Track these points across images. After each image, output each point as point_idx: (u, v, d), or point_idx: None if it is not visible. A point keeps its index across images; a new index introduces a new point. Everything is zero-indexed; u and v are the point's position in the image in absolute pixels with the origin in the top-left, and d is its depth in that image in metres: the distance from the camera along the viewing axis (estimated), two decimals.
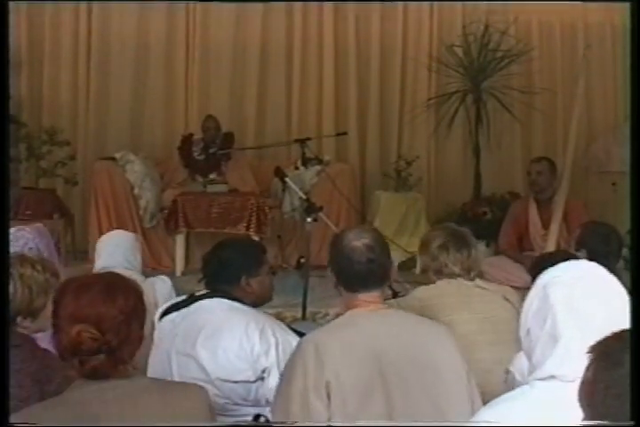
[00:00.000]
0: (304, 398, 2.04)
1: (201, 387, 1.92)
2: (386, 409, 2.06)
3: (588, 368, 1.23)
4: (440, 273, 2.99)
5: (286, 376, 2.14)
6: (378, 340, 2.11)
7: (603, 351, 1.23)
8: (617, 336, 1.25)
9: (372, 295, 2.21)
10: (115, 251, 3.57)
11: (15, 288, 2.21)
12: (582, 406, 1.24)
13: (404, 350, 2.12)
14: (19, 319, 2.22)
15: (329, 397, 2.03)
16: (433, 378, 2.10)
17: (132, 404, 1.74)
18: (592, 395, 1.21)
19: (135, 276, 3.38)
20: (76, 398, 1.74)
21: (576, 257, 2.95)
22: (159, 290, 2.92)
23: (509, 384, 2.11)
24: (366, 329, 2.14)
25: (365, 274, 2.19)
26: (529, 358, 1.64)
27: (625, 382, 1.17)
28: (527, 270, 4.71)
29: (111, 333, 1.73)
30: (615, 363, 1.20)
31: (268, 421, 2.42)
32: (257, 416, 2.45)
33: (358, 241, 2.21)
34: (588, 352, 1.24)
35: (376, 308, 2.21)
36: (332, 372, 2.04)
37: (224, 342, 2.53)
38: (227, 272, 2.68)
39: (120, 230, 4.04)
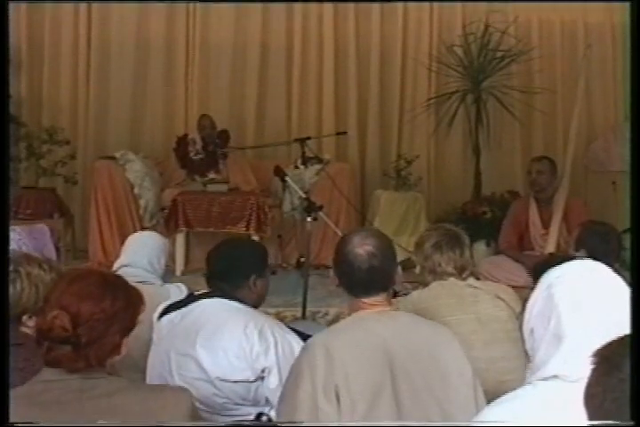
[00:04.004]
0: (313, 401, 2.01)
1: (183, 390, 1.90)
2: (394, 411, 2.04)
3: (591, 372, 1.23)
4: (434, 272, 3.00)
5: (293, 379, 2.10)
6: (386, 342, 2.10)
7: (604, 356, 1.23)
8: (620, 341, 1.24)
9: (375, 299, 2.19)
10: (139, 250, 3.48)
11: (22, 287, 2.21)
12: (585, 408, 1.24)
13: (412, 352, 2.11)
14: (24, 318, 2.21)
15: (338, 399, 2.00)
16: (440, 381, 2.10)
17: (109, 405, 1.72)
18: (592, 398, 1.21)
19: (153, 280, 3.36)
20: (39, 389, 1.72)
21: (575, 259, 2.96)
22: (173, 298, 2.90)
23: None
24: (375, 331, 2.13)
25: (367, 281, 2.18)
26: (532, 357, 1.63)
27: (623, 386, 1.17)
28: (527, 271, 4.74)
29: (84, 328, 1.73)
30: (614, 367, 1.19)
31: (270, 420, 2.41)
32: (259, 415, 2.45)
33: (361, 248, 2.18)
34: (592, 356, 1.24)
35: (382, 310, 2.20)
36: (342, 375, 2.02)
37: (223, 341, 2.52)
38: (236, 270, 2.67)
39: (152, 232, 3.94)
